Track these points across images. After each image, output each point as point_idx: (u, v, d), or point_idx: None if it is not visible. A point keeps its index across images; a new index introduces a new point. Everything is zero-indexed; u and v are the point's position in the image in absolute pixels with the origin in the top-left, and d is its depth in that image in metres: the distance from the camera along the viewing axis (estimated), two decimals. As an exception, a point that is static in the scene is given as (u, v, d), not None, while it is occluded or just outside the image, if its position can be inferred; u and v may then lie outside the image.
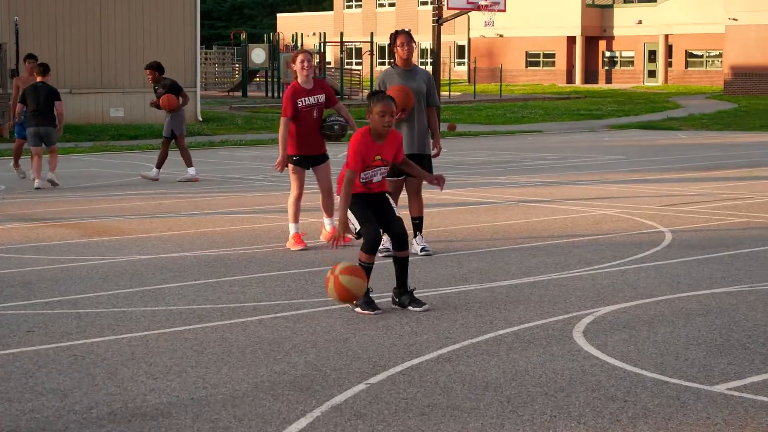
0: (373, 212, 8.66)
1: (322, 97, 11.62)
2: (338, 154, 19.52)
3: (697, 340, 7.51)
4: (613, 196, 16.23)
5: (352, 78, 56.53)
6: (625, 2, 77.95)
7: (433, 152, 11.32)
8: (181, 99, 18.90)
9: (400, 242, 8.67)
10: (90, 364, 6.99)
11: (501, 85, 60.67)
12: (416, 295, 8.73)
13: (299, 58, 11.59)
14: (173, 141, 19.04)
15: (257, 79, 60.05)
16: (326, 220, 11.92)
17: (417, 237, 11.23)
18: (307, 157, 11.66)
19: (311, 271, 10.27)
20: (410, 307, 8.55)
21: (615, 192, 16.76)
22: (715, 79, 69.06)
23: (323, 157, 11.81)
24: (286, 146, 11.52)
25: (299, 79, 11.58)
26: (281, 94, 50.85)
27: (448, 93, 56.68)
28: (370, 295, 8.55)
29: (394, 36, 11.17)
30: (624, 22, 73.96)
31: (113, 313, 8.50)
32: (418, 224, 11.25)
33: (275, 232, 12.70)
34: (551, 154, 24.89)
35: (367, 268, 8.49)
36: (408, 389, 6.35)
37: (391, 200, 8.89)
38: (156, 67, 19.02)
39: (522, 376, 6.60)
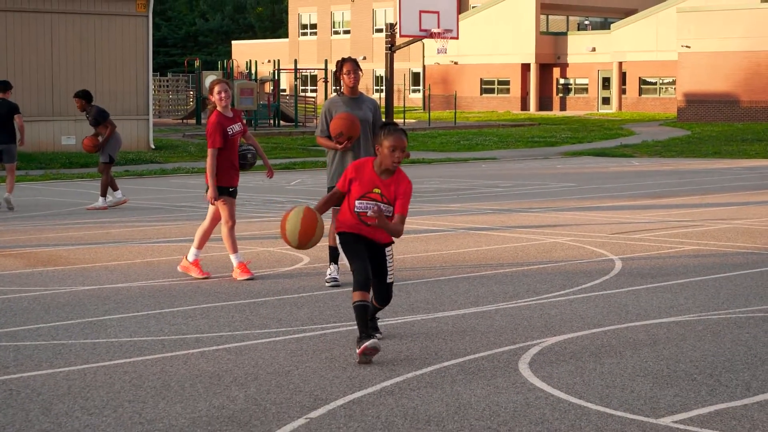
0: (367, 256, 7.93)
1: (241, 125, 11.51)
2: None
3: (644, 371, 7.44)
4: (565, 223, 16.20)
5: (307, 105, 56.44)
6: (579, 29, 78.51)
7: (380, 181, 11.21)
8: (107, 127, 18.91)
9: (382, 303, 8.19)
10: (25, 399, 6.81)
11: (455, 112, 60.81)
12: (378, 323, 8.52)
13: (216, 88, 11.33)
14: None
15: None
16: (193, 250, 11.57)
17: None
18: (236, 188, 11.53)
19: (256, 302, 10.13)
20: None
21: (566, 219, 16.74)
22: (668, 105, 69.60)
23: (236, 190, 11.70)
24: (215, 178, 11.31)
25: (219, 108, 11.38)
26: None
27: (402, 120, 56.70)
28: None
29: (340, 63, 11.07)
30: (578, 49, 74.42)
31: (52, 346, 8.32)
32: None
33: (222, 261, 12.54)
34: (504, 182, 24.89)
35: (361, 307, 7.75)
36: (348, 424, 6.23)
37: (389, 257, 8.11)
38: (83, 96, 19.13)
39: (465, 409, 6.49)
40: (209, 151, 11.28)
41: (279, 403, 6.68)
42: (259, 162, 12.07)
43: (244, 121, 11.72)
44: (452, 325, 8.99)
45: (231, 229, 11.47)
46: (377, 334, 8.36)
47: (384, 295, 8.14)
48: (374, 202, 7.83)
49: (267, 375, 7.38)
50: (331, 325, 9.01)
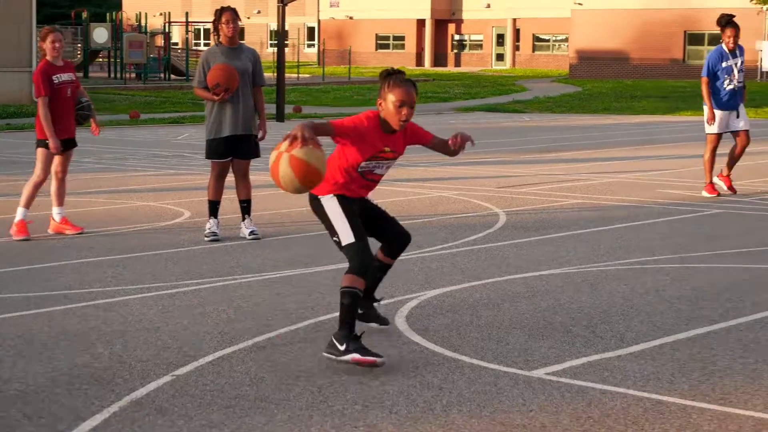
0: (365, 223, 6.65)
1: (73, 76, 11.11)
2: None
3: (521, 323, 7.36)
4: (452, 177, 16.13)
5: (198, 59, 55.67)
6: (473, -14, 78.59)
7: (258, 135, 10.96)
8: None
9: (402, 246, 6.93)
10: None
11: (350, 68, 60.51)
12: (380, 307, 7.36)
13: (50, 37, 10.94)
14: None
15: (99, 60, 58.76)
16: (55, 210, 11.21)
17: (245, 221, 10.90)
18: (62, 140, 11.00)
19: (131, 257, 9.84)
20: (373, 324, 7.16)
21: (454, 173, 16.67)
22: (561, 62, 70.14)
23: (74, 142, 11.25)
24: (51, 126, 10.83)
25: (48, 57, 10.98)
26: (123, 75, 49.83)
27: (296, 75, 56.26)
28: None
29: (219, 13, 10.78)
30: (473, 5, 74.55)
31: None
32: (246, 207, 10.91)
33: (97, 215, 12.21)
34: (395, 136, 24.73)
35: (353, 295, 6.35)
36: (216, 381, 6.04)
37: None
38: None
39: (337, 364, 6.34)
40: (39, 101, 10.85)
41: (145, 360, 6.46)
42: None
43: (76, 74, 11.33)
44: (331, 279, 8.82)
45: (39, 184, 11.02)
46: (377, 302, 7.25)
47: (399, 235, 6.90)
48: (386, 161, 6.62)
49: (135, 331, 7.14)
50: (207, 281, 8.79)
